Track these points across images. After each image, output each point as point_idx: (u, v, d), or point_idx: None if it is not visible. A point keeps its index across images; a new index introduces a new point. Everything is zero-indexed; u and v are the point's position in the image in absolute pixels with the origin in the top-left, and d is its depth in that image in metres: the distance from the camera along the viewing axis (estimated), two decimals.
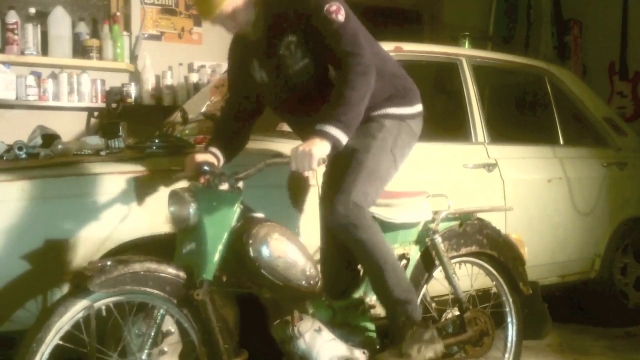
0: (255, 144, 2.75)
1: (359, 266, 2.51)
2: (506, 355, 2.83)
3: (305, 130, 2.23)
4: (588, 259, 3.91)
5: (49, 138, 3.05)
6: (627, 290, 4.13)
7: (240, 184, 2.22)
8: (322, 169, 2.40)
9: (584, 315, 4.09)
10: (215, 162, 2.37)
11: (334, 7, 2.28)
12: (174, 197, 2.18)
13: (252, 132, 2.65)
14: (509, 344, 2.83)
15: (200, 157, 2.34)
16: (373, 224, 2.32)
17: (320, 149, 2.11)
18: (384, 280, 2.33)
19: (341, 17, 2.28)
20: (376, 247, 2.30)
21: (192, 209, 2.14)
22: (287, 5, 2.33)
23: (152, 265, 2.08)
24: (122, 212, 2.40)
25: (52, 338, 1.95)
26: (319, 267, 2.38)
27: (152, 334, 2.12)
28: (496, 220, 2.89)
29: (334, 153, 2.18)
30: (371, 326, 2.44)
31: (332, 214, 2.28)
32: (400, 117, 2.49)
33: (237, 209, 2.20)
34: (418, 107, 2.57)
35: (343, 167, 2.33)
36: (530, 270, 2.88)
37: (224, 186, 2.20)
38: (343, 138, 2.17)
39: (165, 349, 2.31)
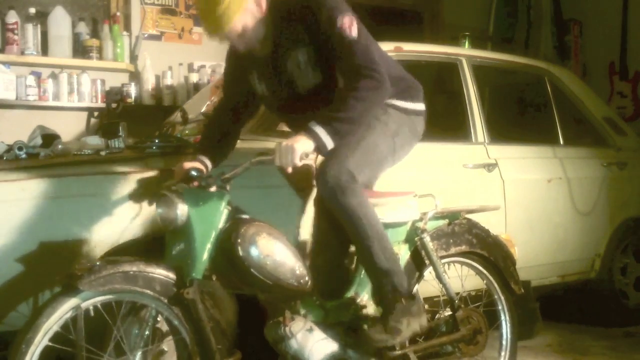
0: (255, 143, 2.75)
1: (350, 267, 2.51)
2: (502, 354, 2.83)
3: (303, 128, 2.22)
4: (588, 259, 3.91)
5: (49, 138, 3.05)
6: (627, 290, 4.14)
7: (228, 184, 2.23)
8: None
9: (584, 315, 4.09)
10: (204, 169, 2.37)
11: (347, 22, 2.24)
12: (162, 198, 2.20)
13: (252, 132, 2.65)
14: (504, 342, 2.82)
15: (189, 164, 2.33)
16: (362, 193, 2.30)
17: (303, 144, 2.11)
18: (369, 249, 2.31)
19: (354, 32, 2.24)
20: (363, 214, 2.28)
21: (179, 210, 2.16)
22: (297, 20, 2.29)
23: (142, 265, 2.09)
24: (121, 213, 2.40)
25: (41, 339, 1.96)
26: (308, 266, 2.37)
27: (145, 333, 2.13)
28: (496, 220, 2.90)
29: (316, 153, 2.18)
30: (363, 325, 2.43)
31: (325, 177, 2.25)
32: (404, 111, 2.49)
33: (224, 209, 2.22)
34: (421, 106, 2.57)
35: (344, 141, 2.29)
36: (530, 270, 2.88)
37: (212, 187, 2.21)
38: (329, 143, 2.16)
39: (165, 348, 2.31)
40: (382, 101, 2.28)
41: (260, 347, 2.41)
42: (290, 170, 2.13)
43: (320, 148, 2.16)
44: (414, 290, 2.57)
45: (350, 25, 2.25)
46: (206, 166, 2.41)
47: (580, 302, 4.11)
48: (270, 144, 2.80)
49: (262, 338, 2.38)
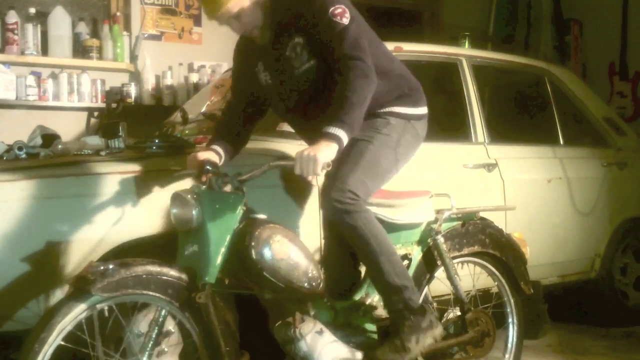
0: (257, 143, 2.75)
1: (361, 268, 2.51)
2: (506, 356, 2.83)
3: (308, 132, 2.23)
4: (588, 259, 3.90)
5: (49, 138, 3.04)
6: (627, 290, 4.14)
7: (243, 186, 2.22)
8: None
9: (584, 315, 4.09)
10: (218, 160, 2.37)
11: (339, 10, 2.28)
12: (177, 199, 2.17)
13: (253, 132, 2.65)
14: (509, 345, 2.83)
15: (203, 155, 2.34)
16: (367, 212, 2.31)
17: (325, 153, 2.11)
18: (379, 267, 2.31)
19: (346, 19, 2.28)
20: (371, 234, 2.29)
21: (195, 211, 2.13)
22: (293, 7, 2.34)
23: (154, 268, 2.08)
24: (122, 212, 2.40)
25: (55, 338, 1.95)
26: (321, 268, 2.37)
27: (154, 334, 2.12)
28: (496, 220, 2.89)
29: (339, 154, 2.18)
30: (373, 327, 2.43)
31: (328, 200, 2.27)
32: (405, 117, 2.50)
33: (240, 211, 2.19)
34: (423, 109, 2.58)
35: (344, 157, 2.32)
36: (530, 270, 2.88)
37: (227, 188, 2.19)
38: (346, 138, 2.18)
39: (165, 349, 2.31)
40: (372, 88, 2.29)
41: (260, 347, 2.41)
42: (310, 179, 2.13)
43: (341, 147, 2.17)
44: (424, 292, 2.58)
45: (342, 14, 2.28)
46: (220, 156, 2.41)
47: (580, 302, 4.11)
48: (270, 144, 2.81)
49: (262, 338, 2.38)
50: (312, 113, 2.39)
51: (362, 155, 2.35)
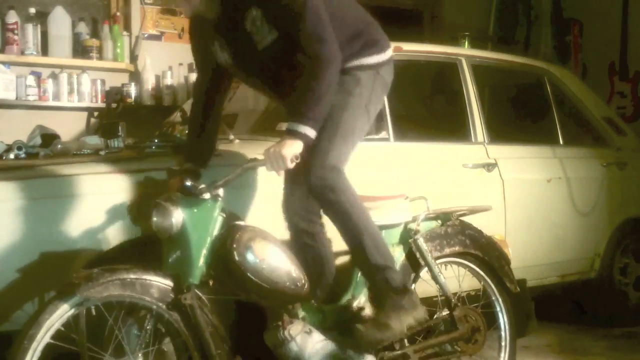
0: (257, 144, 2.75)
1: (349, 269, 2.51)
2: (502, 354, 2.83)
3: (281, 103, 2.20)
4: (588, 259, 3.91)
5: (49, 138, 3.05)
6: (627, 290, 4.14)
7: (220, 191, 2.24)
8: None
9: (584, 315, 4.09)
10: (194, 177, 2.37)
11: None
12: (157, 207, 2.21)
13: (251, 133, 2.65)
14: (503, 343, 2.83)
15: (178, 181, 2.32)
16: (350, 187, 2.32)
17: (291, 149, 2.14)
18: (362, 245, 2.32)
19: None
20: (354, 210, 2.30)
21: (174, 218, 2.17)
22: None
23: (140, 272, 2.11)
24: (121, 212, 2.41)
25: (43, 336, 1.97)
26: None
27: (146, 335, 2.14)
28: (496, 220, 2.90)
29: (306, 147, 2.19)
30: (357, 324, 2.44)
31: (309, 177, 2.27)
32: (374, 67, 2.46)
33: (218, 215, 2.24)
34: (389, 53, 2.53)
35: (321, 132, 2.29)
36: (529, 270, 2.89)
37: (205, 194, 2.22)
38: (312, 133, 2.19)
39: (165, 349, 2.31)
40: (337, 71, 2.26)
41: (261, 352, 2.41)
42: (281, 174, 2.17)
43: (307, 142, 2.19)
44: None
45: None
46: (198, 174, 2.42)
47: (580, 302, 4.11)
48: (270, 144, 2.80)
49: (263, 343, 2.38)
50: (282, 90, 2.38)
51: (339, 125, 2.33)
